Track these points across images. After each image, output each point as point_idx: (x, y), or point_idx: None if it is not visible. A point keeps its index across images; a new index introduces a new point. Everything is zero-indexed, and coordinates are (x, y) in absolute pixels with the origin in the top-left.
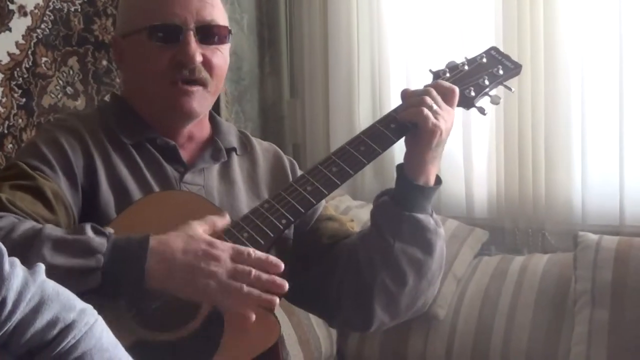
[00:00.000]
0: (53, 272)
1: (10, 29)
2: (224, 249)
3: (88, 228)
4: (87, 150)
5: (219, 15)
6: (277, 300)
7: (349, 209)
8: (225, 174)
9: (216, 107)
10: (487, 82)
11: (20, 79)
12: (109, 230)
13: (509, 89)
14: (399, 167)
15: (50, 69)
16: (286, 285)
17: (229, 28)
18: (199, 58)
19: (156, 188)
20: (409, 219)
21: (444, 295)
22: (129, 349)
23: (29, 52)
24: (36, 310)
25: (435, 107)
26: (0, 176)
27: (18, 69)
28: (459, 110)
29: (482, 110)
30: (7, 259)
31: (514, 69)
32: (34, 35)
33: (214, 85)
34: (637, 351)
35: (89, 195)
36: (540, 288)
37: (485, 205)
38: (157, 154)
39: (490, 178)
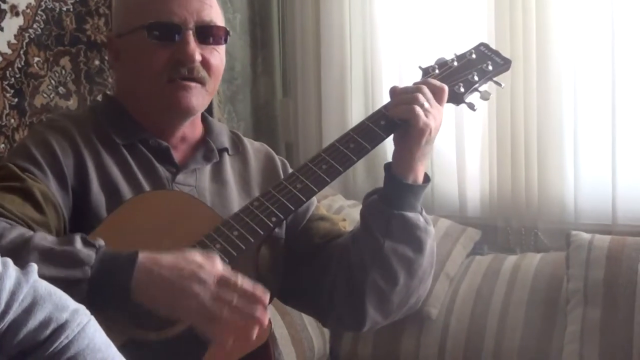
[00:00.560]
0: None
1: (2, 29)
2: (213, 273)
3: (77, 239)
4: (78, 151)
5: (217, 16)
6: (254, 332)
7: (341, 209)
8: (217, 174)
9: (209, 107)
10: (476, 78)
11: (13, 78)
12: (99, 242)
13: (499, 84)
14: (387, 166)
15: (42, 69)
16: (265, 321)
17: (227, 29)
18: (198, 57)
19: (148, 189)
20: (399, 217)
21: (436, 294)
22: (121, 348)
23: (21, 52)
24: (29, 310)
25: (426, 105)
26: None
27: (10, 69)
28: (451, 110)
29: (471, 106)
30: None
31: (504, 64)
32: (26, 35)
33: (211, 84)
34: (629, 350)
35: (80, 196)
36: (533, 287)
37: (477, 205)
38: (150, 155)
39: (483, 177)
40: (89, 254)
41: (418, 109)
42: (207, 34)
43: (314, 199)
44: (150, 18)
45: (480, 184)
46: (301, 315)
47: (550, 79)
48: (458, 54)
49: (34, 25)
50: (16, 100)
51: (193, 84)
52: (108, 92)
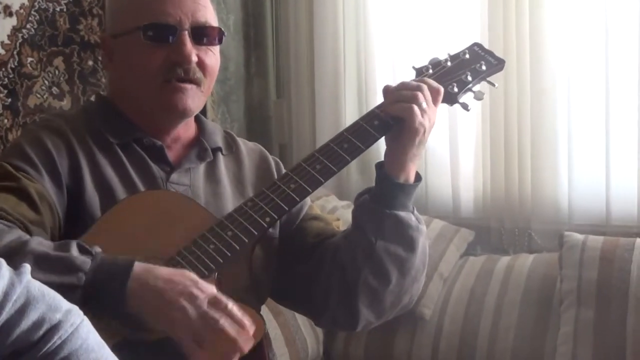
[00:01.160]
0: None
1: None
2: (206, 292)
3: (74, 245)
4: (72, 150)
5: (212, 17)
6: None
7: (335, 209)
8: (211, 173)
9: (202, 108)
10: (469, 78)
11: (6, 79)
12: (96, 249)
13: (492, 84)
14: (379, 165)
15: (35, 69)
16: (246, 350)
17: (222, 30)
18: (194, 58)
19: (142, 188)
20: (390, 217)
21: (430, 295)
22: (114, 348)
23: (15, 52)
24: (22, 310)
25: (424, 105)
26: None
27: (3, 69)
28: (445, 110)
29: (465, 106)
30: None
31: (497, 64)
32: (20, 35)
33: (206, 85)
34: (622, 350)
35: (74, 195)
36: (526, 288)
37: (471, 205)
38: (144, 154)
39: (477, 178)
40: (84, 261)
41: (416, 108)
42: (202, 34)
43: (308, 198)
44: (145, 19)
45: (473, 185)
46: (295, 315)
47: (544, 79)
48: (452, 54)
49: (28, 26)
50: (9, 100)
51: (189, 86)
52: (101, 93)
